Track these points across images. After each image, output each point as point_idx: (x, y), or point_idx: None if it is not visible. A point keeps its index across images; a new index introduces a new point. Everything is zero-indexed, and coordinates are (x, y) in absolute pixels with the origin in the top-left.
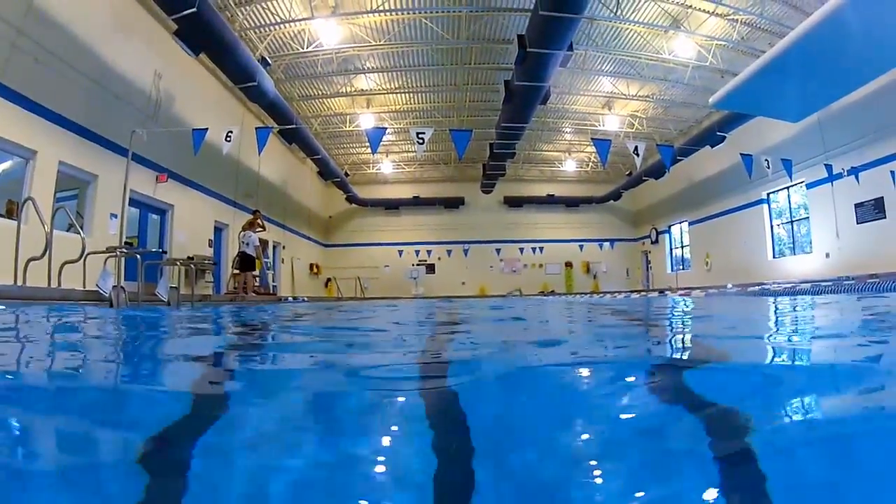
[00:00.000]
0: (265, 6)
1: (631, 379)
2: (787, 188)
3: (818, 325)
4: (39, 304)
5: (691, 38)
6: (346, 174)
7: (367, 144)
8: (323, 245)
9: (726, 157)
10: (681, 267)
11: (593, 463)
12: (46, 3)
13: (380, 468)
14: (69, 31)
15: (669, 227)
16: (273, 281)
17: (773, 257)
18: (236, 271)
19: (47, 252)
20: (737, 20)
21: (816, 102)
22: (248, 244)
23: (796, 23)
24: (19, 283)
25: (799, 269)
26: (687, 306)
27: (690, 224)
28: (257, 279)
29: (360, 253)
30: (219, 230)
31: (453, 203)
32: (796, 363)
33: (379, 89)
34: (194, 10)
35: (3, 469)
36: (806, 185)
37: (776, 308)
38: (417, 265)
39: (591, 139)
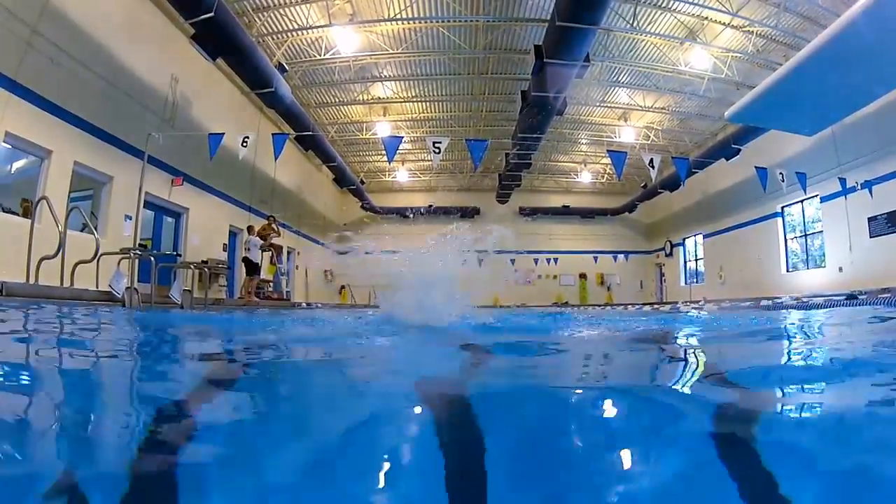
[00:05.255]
0: (283, 12)
1: None
2: (802, 202)
3: None
4: (51, 302)
5: (707, 50)
6: (362, 182)
7: (384, 153)
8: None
9: (741, 170)
10: (694, 280)
11: None
12: (62, 4)
13: None
14: (85, 32)
15: (684, 239)
16: (287, 287)
17: (787, 271)
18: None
19: (60, 251)
20: (752, 32)
21: (831, 116)
22: (250, 249)
23: (812, 35)
24: (31, 281)
25: (812, 282)
26: None
27: (705, 237)
28: (271, 284)
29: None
30: (233, 234)
31: (468, 213)
32: None
33: (396, 98)
34: (211, 14)
35: None
36: (820, 198)
37: None
38: None
39: (607, 151)
